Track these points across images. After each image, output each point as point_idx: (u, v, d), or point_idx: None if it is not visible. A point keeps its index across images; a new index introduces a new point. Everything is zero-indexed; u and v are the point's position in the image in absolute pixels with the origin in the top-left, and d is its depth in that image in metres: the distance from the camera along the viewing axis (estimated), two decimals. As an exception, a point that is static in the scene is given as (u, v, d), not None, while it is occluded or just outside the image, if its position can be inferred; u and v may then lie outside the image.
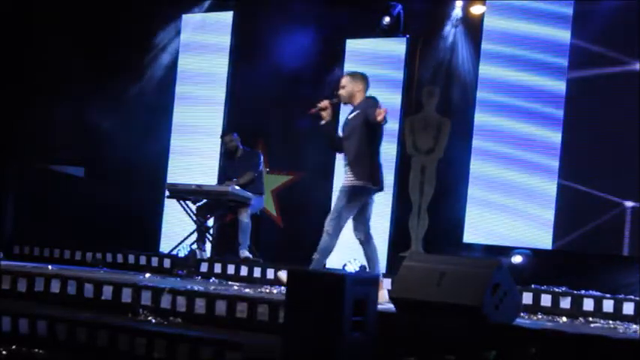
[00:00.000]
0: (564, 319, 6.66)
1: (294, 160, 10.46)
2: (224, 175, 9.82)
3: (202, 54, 11.01)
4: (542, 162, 9.02)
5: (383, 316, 5.06)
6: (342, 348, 4.56)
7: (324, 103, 6.68)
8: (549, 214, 8.90)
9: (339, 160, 9.83)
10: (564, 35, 9.03)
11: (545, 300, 7.22)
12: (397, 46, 9.93)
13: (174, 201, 9.73)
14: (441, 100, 9.85)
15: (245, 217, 9.19)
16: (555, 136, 8.97)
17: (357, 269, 8.65)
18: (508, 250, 8.79)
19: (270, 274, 8.42)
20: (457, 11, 9.78)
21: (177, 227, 10.23)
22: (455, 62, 9.73)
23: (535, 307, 7.10)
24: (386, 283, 6.86)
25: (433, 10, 9.85)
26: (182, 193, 9.51)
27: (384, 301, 6.14)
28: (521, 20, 9.30)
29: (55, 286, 6.56)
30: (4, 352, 5.38)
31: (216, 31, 10.96)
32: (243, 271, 8.58)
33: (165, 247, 10.38)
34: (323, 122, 6.67)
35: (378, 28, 9.83)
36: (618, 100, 8.63)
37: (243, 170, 9.47)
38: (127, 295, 6.23)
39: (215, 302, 5.89)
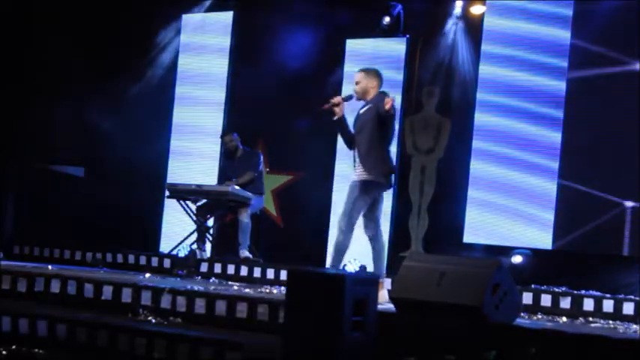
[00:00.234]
0: (564, 319, 6.66)
1: (294, 160, 10.46)
2: (224, 175, 9.82)
3: (202, 54, 11.02)
4: (542, 162, 9.01)
5: (383, 316, 5.06)
6: (342, 348, 4.55)
7: (337, 99, 6.70)
8: (549, 214, 8.90)
9: (339, 160, 9.88)
10: (564, 35, 9.03)
11: (545, 300, 7.21)
12: (397, 46, 9.93)
13: (174, 201, 9.73)
14: (441, 100, 9.85)
15: (245, 217, 9.19)
16: (555, 136, 8.96)
17: (357, 269, 8.65)
18: (508, 250, 8.79)
19: (270, 274, 8.42)
20: (457, 11, 9.78)
21: (177, 227, 10.24)
22: (455, 62, 9.72)
23: (535, 307, 7.09)
24: (387, 283, 6.85)
25: (433, 10, 9.85)
26: (182, 193, 9.52)
27: (384, 301, 6.14)
28: (521, 20, 9.29)
29: (55, 286, 6.56)
30: (4, 352, 5.37)
31: (216, 31, 10.96)
32: (243, 271, 8.58)
33: (165, 247, 10.39)
34: (335, 118, 6.68)
35: (378, 28, 9.83)
36: (618, 100, 8.63)
37: (243, 170, 9.47)
38: (127, 295, 6.23)
39: (215, 302, 5.89)
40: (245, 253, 9.11)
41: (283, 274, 8.10)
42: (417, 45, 9.88)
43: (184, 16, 11.20)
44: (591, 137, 8.76)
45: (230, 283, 8.01)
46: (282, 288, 7.07)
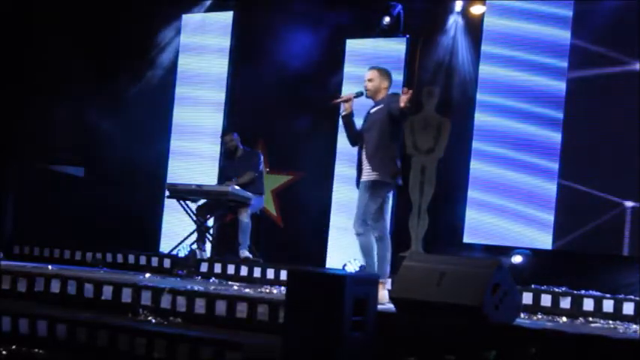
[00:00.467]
0: (564, 319, 6.66)
1: (294, 160, 10.45)
2: (224, 175, 9.82)
3: (202, 54, 11.02)
4: (542, 162, 9.01)
5: (383, 316, 5.07)
6: (342, 348, 4.56)
7: (348, 94, 6.72)
8: (549, 215, 8.90)
9: (339, 160, 9.89)
10: (564, 35, 9.03)
11: (545, 300, 7.21)
12: (397, 46, 9.93)
13: (174, 201, 9.73)
14: (441, 100, 9.84)
15: (245, 217, 9.19)
16: (555, 137, 8.96)
17: (357, 269, 8.64)
18: (508, 250, 8.79)
19: (270, 274, 8.42)
20: (457, 10, 9.78)
21: (177, 227, 10.24)
22: (455, 62, 9.72)
23: (535, 307, 7.09)
24: (388, 284, 6.85)
25: (433, 10, 9.85)
26: (182, 193, 9.52)
27: (385, 301, 6.14)
28: (521, 20, 9.29)
29: (55, 286, 6.56)
30: (4, 352, 5.38)
31: (216, 31, 10.97)
32: (243, 271, 8.58)
33: (165, 247, 10.39)
34: (344, 113, 6.70)
35: (378, 28, 9.83)
36: (618, 100, 8.62)
37: (243, 170, 9.47)
38: (127, 295, 6.23)
39: (215, 302, 5.89)
40: (245, 253, 9.11)
41: (283, 274, 8.11)
42: (417, 45, 9.88)
43: (184, 16, 11.20)
44: (591, 137, 8.76)
45: (230, 283, 8.01)
46: (282, 288, 7.07)
